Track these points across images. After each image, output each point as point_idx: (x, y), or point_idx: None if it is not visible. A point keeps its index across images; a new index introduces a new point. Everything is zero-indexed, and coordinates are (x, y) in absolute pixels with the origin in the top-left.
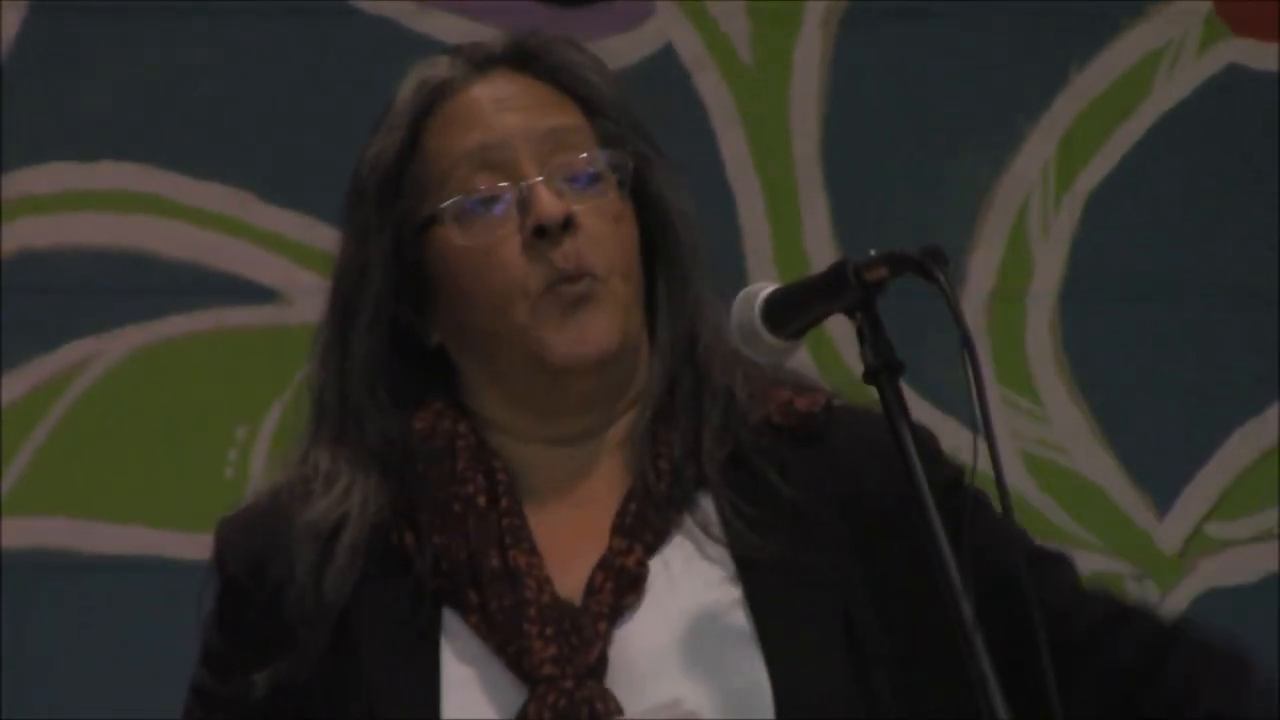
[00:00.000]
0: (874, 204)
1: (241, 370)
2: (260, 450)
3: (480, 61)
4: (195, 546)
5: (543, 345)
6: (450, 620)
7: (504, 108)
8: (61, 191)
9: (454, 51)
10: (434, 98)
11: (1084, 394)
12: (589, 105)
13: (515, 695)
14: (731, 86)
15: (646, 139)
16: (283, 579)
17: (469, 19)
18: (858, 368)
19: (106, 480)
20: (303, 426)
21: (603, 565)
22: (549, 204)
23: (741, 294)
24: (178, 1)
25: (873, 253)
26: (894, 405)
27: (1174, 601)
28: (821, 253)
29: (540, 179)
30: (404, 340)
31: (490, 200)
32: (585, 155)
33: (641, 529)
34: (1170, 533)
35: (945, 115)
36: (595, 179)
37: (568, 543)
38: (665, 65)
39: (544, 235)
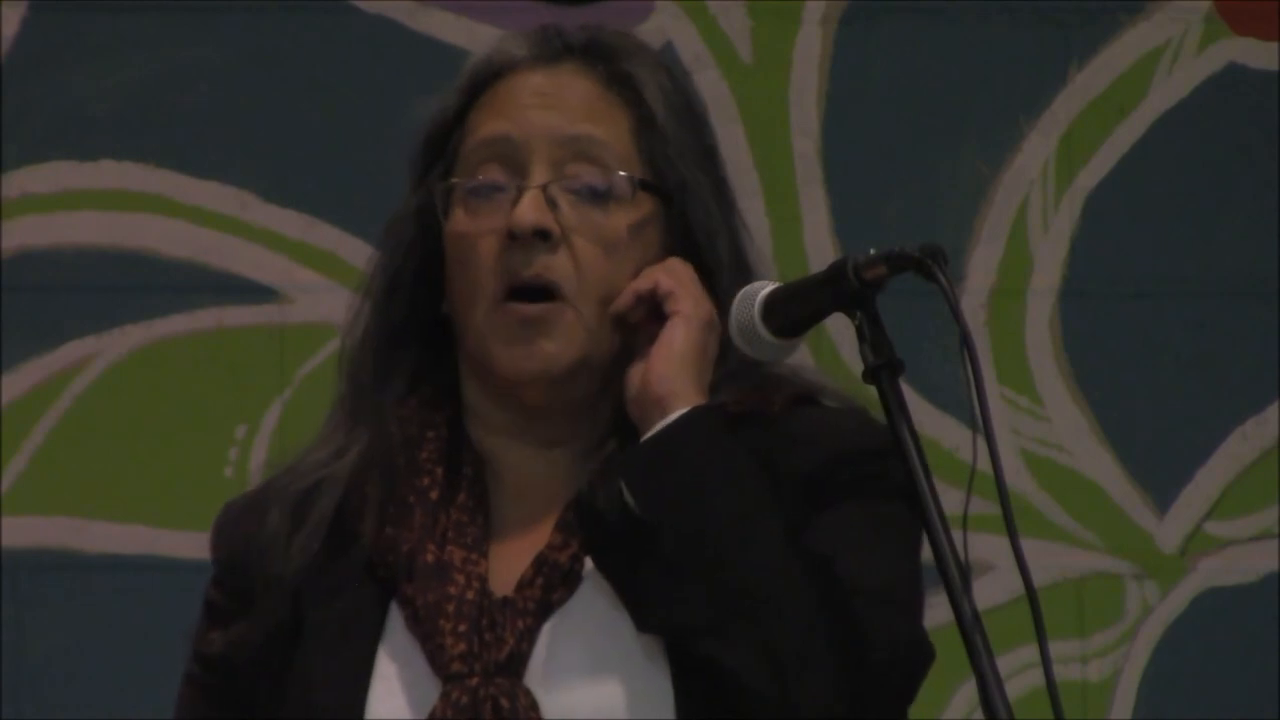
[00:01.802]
0: (874, 202)
1: (241, 370)
2: (260, 450)
3: (556, 48)
4: (195, 546)
5: (490, 355)
6: (393, 612)
7: (543, 103)
8: (61, 191)
9: (537, 31)
10: (490, 74)
11: (1084, 392)
12: (642, 122)
13: (433, 691)
14: (731, 85)
15: (703, 167)
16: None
17: (469, 19)
18: (857, 366)
19: (106, 480)
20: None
21: (537, 561)
22: (526, 210)
23: (741, 293)
24: (178, 1)
25: (872, 251)
26: (894, 404)
27: (1174, 601)
28: (821, 251)
29: (542, 184)
30: (424, 308)
31: (489, 191)
32: (598, 170)
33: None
34: (1170, 532)
35: (945, 114)
36: (603, 196)
37: (520, 540)
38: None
39: (515, 240)
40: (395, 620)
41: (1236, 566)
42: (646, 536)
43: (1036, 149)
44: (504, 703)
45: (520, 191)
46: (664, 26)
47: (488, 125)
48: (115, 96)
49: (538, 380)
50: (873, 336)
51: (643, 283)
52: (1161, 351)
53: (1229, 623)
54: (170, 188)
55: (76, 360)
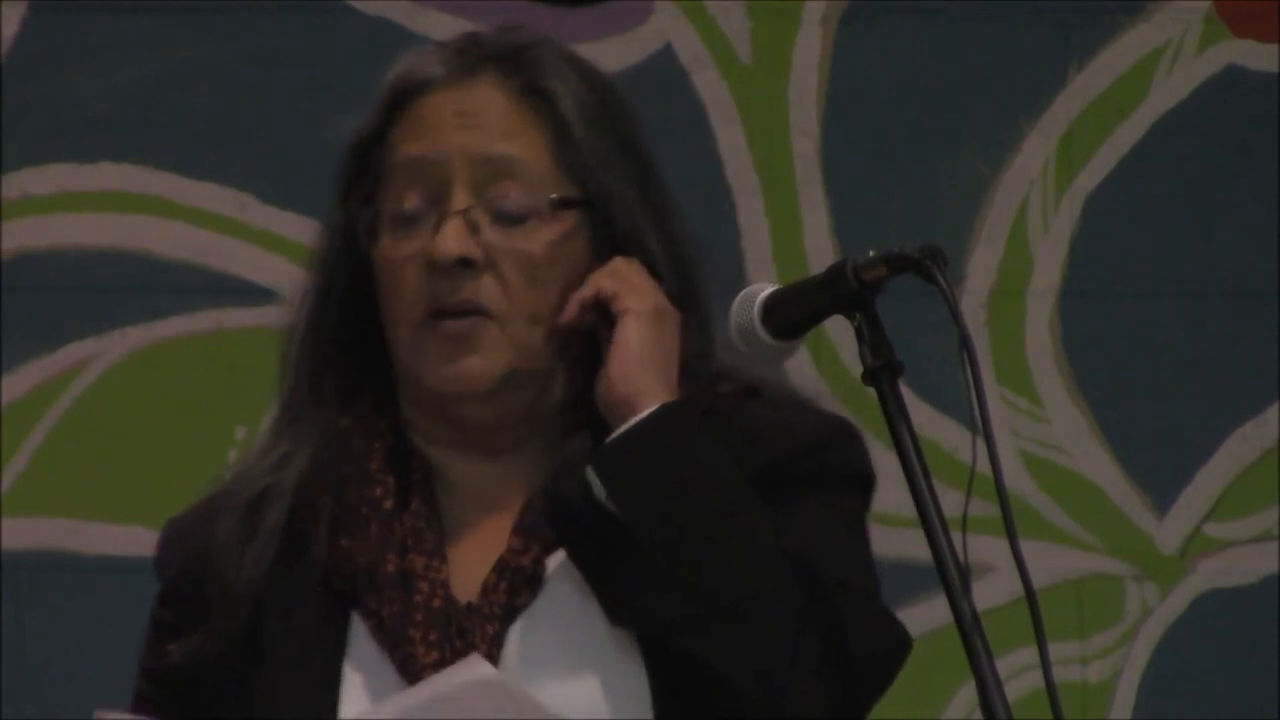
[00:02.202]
0: (873, 203)
1: (241, 370)
2: None
3: (471, 62)
4: None
5: (420, 373)
6: (355, 624)
7: (462, 123)
8: (61, 192)
9: (454, 43)
10: (407, 93)
11: (1083, 393)
12: (559, 134)
13: None
14: (731, 86)
15: (625, 171)
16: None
17: (467, 19)
18: (857, 368)
19: (106, 480)
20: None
21: (498, 565)
22: (446, 241)
23: (740, 295)
24: (178, 1)
25: (872, 252)
26: (893, 405)
27: (1174, 602)
28: (820, 252)
29: (463, 209)
30: (362, 301)
31: (411, 218)
32: (520, 191)
33: (540, 529)
34: (1170, 533)
35: (945, 114)
36: (523, 217)
37: (477, 545)
38: (664, 65)
39: (438, 268)
40: (358, 631)
41: (1236, 568)
42: (620, 532)
43: (1036, 149)
44: None
45: (442, 218)
46: (663, 27)
47: (407, 147)
48: (115, 97)
49: (467, 396)
50: (872, 338)
51: (586, 291)
52: (1161, 352)
53: (1229, 624)
54: (170, 189)
55: (76, 361)
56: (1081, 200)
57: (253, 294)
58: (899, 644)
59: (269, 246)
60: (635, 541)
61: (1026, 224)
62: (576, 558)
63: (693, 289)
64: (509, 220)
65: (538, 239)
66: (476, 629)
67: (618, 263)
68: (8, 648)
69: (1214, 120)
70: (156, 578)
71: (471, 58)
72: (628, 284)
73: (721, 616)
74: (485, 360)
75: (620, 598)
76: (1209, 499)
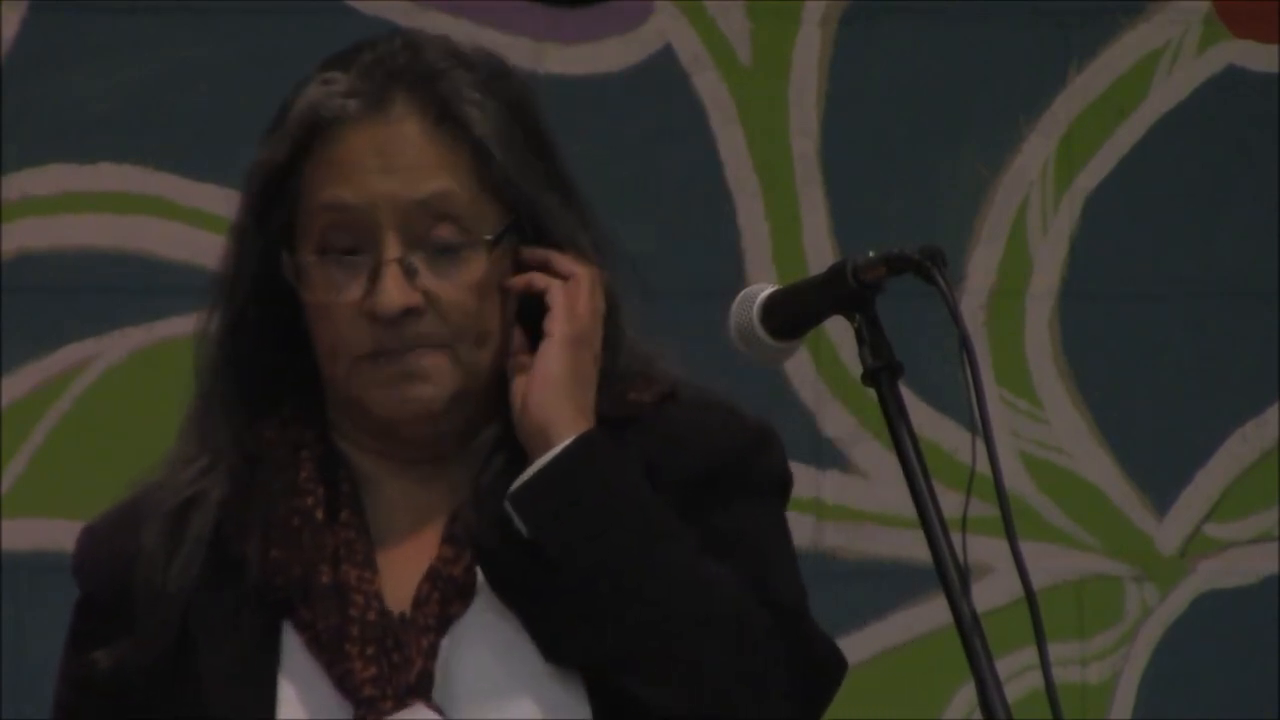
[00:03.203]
0: (873, 203)
1: None
2: None
3: (379, 89)
4: None
5: (362, 401)
6: (288, 635)
7: (382, 165)
8: (61, 193)
9: (357, 66)
10: (319, 130)
11: (1083, 394)
12: (478, 154)
13: (344, 715)
14: (730, 86)
15: (545, 176)
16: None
17: (467, 19)
18: (857, 368)
19: (106, 481)
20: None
21: (430, 575)
22: (389, 294)
23: (740, 295)
24: (177, 1)
25: (871, 253)
26: (893, 406)
27: (1173, 603)
28: (820, 253)
29: (395, 257)
30: (279, 312)
31: (342, 265)
32: (453, 228)
33: (468, 536)
34: (1169, 534)
35: (945, 115)
36: (459, 250)
37: (406, 555)
38: (664, 65)
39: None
40: (291, 642)
41: (1236, 568)
42: (544, 566)
43: (1036, 150)
44: None
45: (377, 266)
46: (663, 27)
47: (329, 191)
48: (115, 97)
49: (417, 421)
50: (872, 339)
51: (537, 282)
52: (1161, 352)
53: (1229, 625)
54: (170, 190)
55: (76, 362)
56: (1081, 200)
57: (204, 298)
58: (835, 665)
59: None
60: (560, 577)
61: (1026, 224)
62: (502, 592)
63: (618, 287)
64: (445, 255)
65: (473, 270)
66: (412, 642)
67: (576, 268)
68: (8, 648)
69: (1214, 120)
70: (76, 584)
71: (379, 84)
72: (564, 297)
73: (652, 652)
74: (435, 387)
75: (552, 634)
76: (1209, 499)
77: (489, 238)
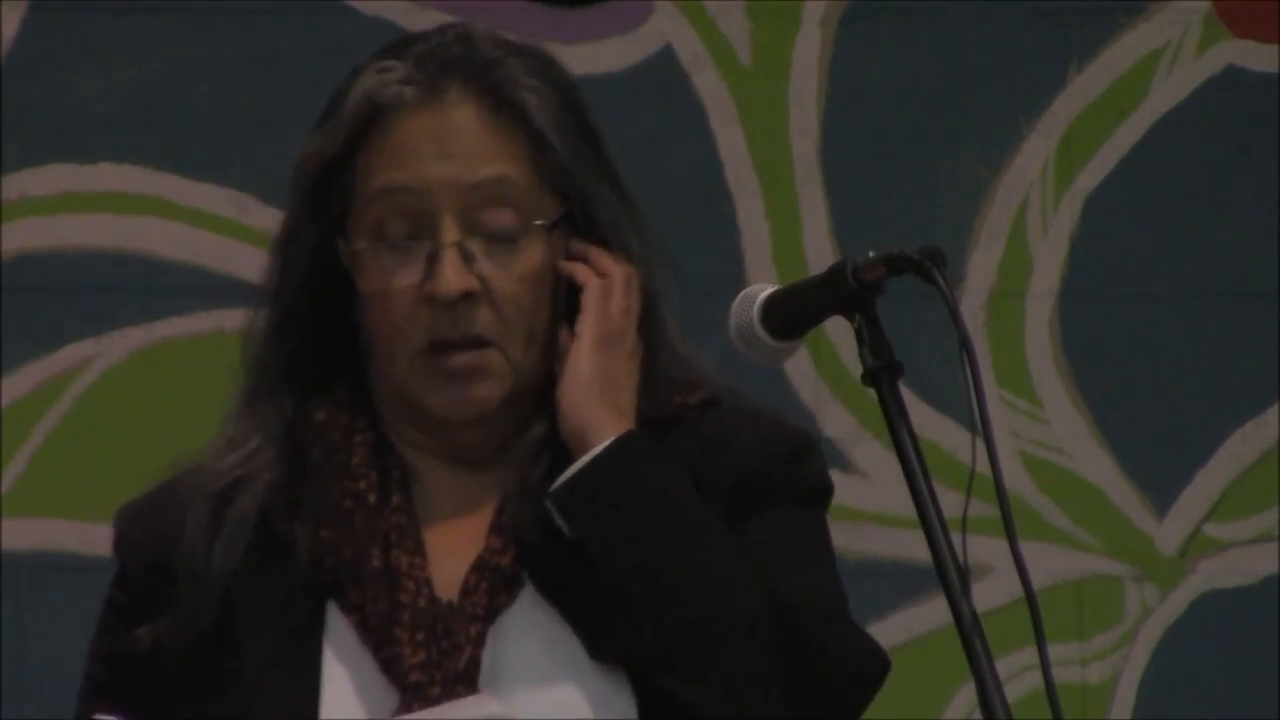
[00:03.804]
0: (873, 204)
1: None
2: None
3: (434, 77)
4: None
5: (419, 400)
6: (333, 616)
7: (439, 150)
8: (61, 193)
9: (412, 54)
10: (375, 118)
11: (1083, 394)
12: (535, 142)
13: (389, 699)
14: (730, 86)
15: (599, 167)
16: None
17: (467, 20)
18: (857, 368)
19: (106, 481)
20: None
21: (478, 565)
22: (450, 277)
23: (740, 295)
24: (177, 1)
25: (871, 253)
26: (893, 406)
27: (1173, 603)
28: (820, 253)
29: (454, 241)
30: (329, 304)
31: (399, 250)
32: (510, 215)
33: (514, 529)
34: (1169, 534)
35: (945, 115)
36: (516, 238)
37: (454, 544)
38: (664, 66)
39: (437, 302)
40: (336, 623)
41: (1236, 569)
42: (585, 564)
43: (1036, 150)
44: None
45: (436, 250)
46: (663, 27)
47: (386, 175)
48: (115, 97)
49: (469, 419)
50: (872, 339)
51: (579, 275)
52: (1161, 352)
53: (1229, 625)
54: (169, 190)
55: (76, 362)
56: (1081, 201)
57: (253, 294)
58: (878, 663)
59: (269, 247)
60: (601, 576)
61: (1026, 225)
62: (544, 588)
63: (657, 285)
64: (502, 243)
65: (528, 260)
66: (460, 630)
67: (612, 267)
68: (8, 648)
69: (1214, 120)
70: (116, 560)
71: (434, 72)
72: (596, 298)
73: (691, 652)
74: (490, 388)
75: (594, 630)
76: (1209, 499)
77: (545, 223)
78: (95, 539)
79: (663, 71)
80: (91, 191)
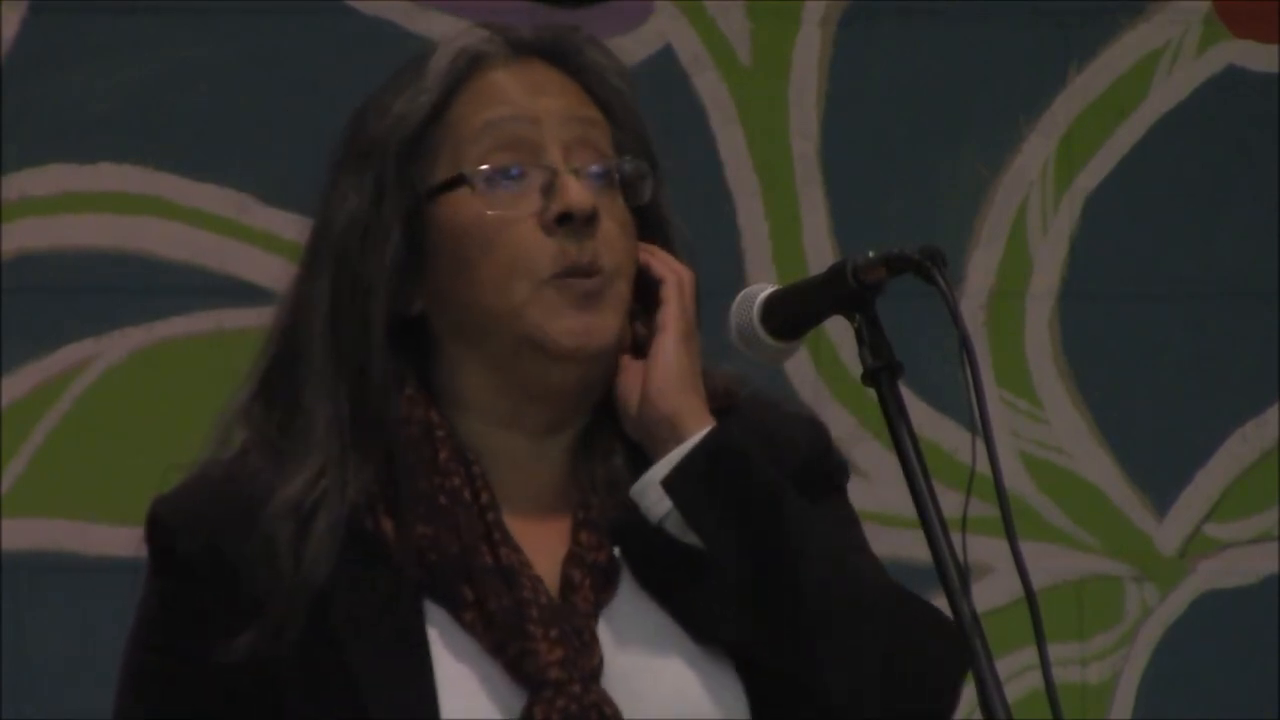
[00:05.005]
0: (873, 204)
1: (241, 371)
2: None
3: (515, 45)
4: None
5: (541, 330)
6: (436, 615)
7: (537, 91)
8: (61, 194)
9: (490, 28)
10: (469, 69)
11: (1083, 394)
12: (609, 113)
13: (512, 697)
14: (730, 87)
15: (653, 155)
16: (240, 555)
17: (467, 19)
18: (857, 368)
19: (106, 481)
20: (240, 394)
21: (576, 562)
22: (580, 193)
23: (740, 295)
24: (178, 1)
25: (871, 253)
26: (893, 406)
27: (1173, 603)
28: (820, 253)
29: (575, 167)
30: (403, 287)
31: (517, 176)
32: (608, 154)
33: (605, 524)
34: (1169, 534)
35: (945, 115)
36: (611, 181)
37: (535, 539)
38: (664, 65)
39: (567, 222)
40: (441, 621)
41: (1236, 569)
42: (683, 553)
43: (1036, 150)
44: (607, 710)
45: (553, 175)
46: (663, 28)
47: (486, 112)
48: (115, 97)
49: (591, 352)
50: (872, 339)
51: (655, 265)
52: (1161, 352)
53: (1228, 625)
54: (169, 190)
55: (76, 362)
56: (1081, 201)
57: (253, 294)
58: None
59: (269, 247)
60: (711, 564)
61: (1026, 225)
62: (643, 580)
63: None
64: (604, 182)
65: (622, 203)
66: (587, 628)
67: (680, 266)
68: (8, 648)
69: (1214, 120)
70: (158, 551)
71: (514, 40)
72: (676, 293)
73: (811, 635)
74: (610, 319)
75: (702, 619)
76: (1209, 499)
77: (647, 170)
78: (95, 539)
79: (663, 71)
80: (91, 191)
